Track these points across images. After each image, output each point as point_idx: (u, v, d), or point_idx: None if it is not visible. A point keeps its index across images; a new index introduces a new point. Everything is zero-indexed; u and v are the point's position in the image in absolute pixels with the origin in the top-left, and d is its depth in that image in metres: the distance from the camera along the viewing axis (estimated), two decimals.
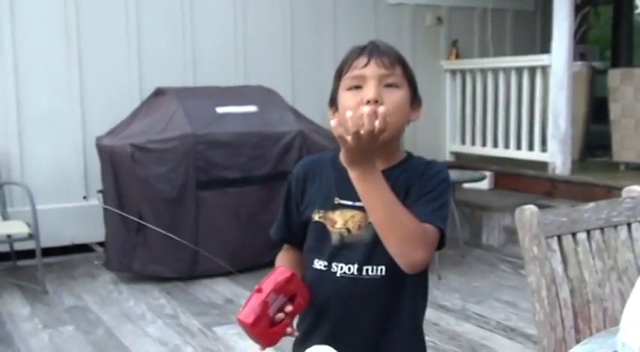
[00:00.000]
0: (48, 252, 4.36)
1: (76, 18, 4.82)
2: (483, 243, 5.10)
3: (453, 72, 6.20)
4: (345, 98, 1.41)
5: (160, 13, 5.12)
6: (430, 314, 3.55)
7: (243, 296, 3.90)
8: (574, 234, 1.67)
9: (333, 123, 1.27)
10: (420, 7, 6.19)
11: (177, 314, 3.69)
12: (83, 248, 4.90)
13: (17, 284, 4.14)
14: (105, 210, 4.40)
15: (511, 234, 4.91)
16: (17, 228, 4.06)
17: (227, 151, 4.31)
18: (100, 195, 4.48)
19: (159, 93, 4.69)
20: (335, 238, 1.42)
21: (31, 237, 3.98)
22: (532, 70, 5.41)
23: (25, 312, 3.72)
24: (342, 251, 1.42)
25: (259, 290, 1.35)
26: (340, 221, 1.42)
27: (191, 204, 4.21)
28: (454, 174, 5.12)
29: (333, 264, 1.43)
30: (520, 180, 5.53)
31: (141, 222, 4.02)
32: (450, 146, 6.28)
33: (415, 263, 1.33)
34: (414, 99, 1.46)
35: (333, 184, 1.45)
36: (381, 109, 1.24)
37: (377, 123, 1.23)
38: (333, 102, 1.47)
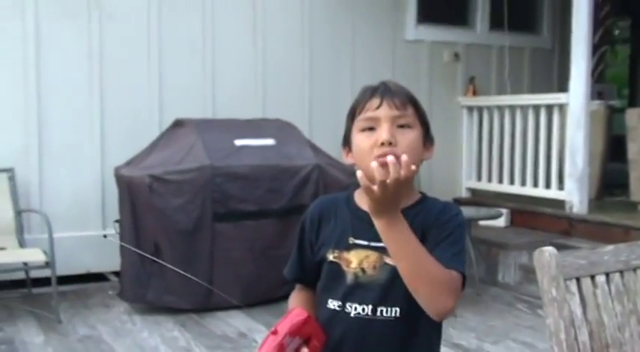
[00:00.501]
0: (63, 280, 4.37)
1: (99, 50, 4.91)
2: (499, 281, 5.05)
3: (470, 108, 6.22)
4: (359, 140, 1.42)
5: (181, 46, 5.20)
6: None
7: (257, 330, 3.89)
8: (593, 277, 1.65)
9: (358, 174, 1.29)
10: (438, 43, 6.24)
11: (190, 347, 3.67)
12: (98, 277, 4.92)
13: (32, 312, 4.15)
14: (121, 239, 4.42)
15: (528, 272, 4.87)
16: (34, 256, 4.08)
17: (244, 184, 4.33)
18: (117, 225, 4.50)
19: (178, 124, 4.74)
20: (350, 278, 1.42)
21: (47, 265, 4.00)
22: (549, 108, 5.42)
23: (38, 341, 3.73)
24: (356, 291, 1.42)
25: (275, 332, 1.34)
26: (355, 261, 1.42)
27: (207, 236, 4.22)
28: (470, 211, 5.11)
29: (347, 304, 1.43)
30: (537, 218, 5.49)
31: (155, 259, 4.03)
32: (466, 182, 6.27)
33: (444, 310, 1.34)
34: (427, 138, 1.47)
35: (348, 224, 1.46)
36: (404, 158, 1.26)
37: (402, 171, 1.25)
38: (347, 142, 1.49)
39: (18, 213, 4.50)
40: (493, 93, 6.37)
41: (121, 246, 4.42)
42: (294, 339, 1.35)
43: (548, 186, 5.46)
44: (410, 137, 1.40)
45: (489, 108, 6.03)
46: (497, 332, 3.97)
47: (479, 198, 6.06)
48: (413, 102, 1.43)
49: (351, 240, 1.43)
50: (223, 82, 5.32)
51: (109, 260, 4.70)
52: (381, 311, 1.40)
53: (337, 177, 4.42)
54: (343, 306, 1.43)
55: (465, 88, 6.31)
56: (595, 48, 5.66)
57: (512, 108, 5.79)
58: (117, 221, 4.51)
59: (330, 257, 1.45)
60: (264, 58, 5.48)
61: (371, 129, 1.40)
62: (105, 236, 4.82)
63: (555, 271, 1.59)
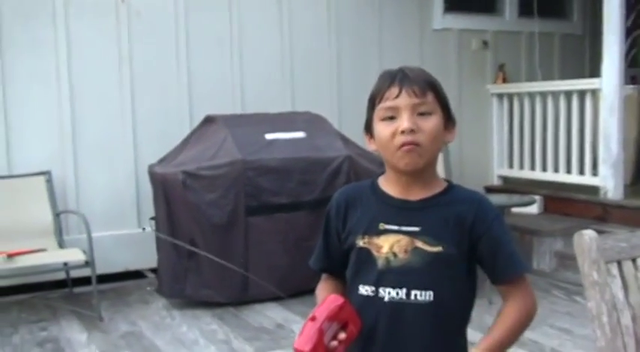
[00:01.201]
0: (102, 278, 4.45)
1: (129, 49, 4.97)
2: (534, 268, 5.01)
3: (500, 96, 6.17)
4: (380, 129, 1.45)
5: (208, 43, 5.24)
6: None
7: (293, 321, 3.92)
8: (634, 260, 1.65)
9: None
10: (466, 31, 6.20)
11: (229, 339, 3.72)
12: (136, 274, 5.00)
13: (74, 311, 4.24)
14: (157, 236, 4.49)
15: (563, 259, 4.83)
16: (74, 255, 4.16)
17: (276, 177, 4.36)
18: (153, 222, 4.57)
19: (208, 121, 4.79)
20: (381, 263, 1.44)
21: (87, 264, 4.07)
22: (582, 94, 5.35)
23: (82, 338, 3.80)
24: (389, 275, 1.44)
25: (313, 318, 1.36)
26: (386, 246, 1.44)
27: (241, 230, 4.26)
28: (502, 199, 5.07)
29: (380, 289, 1.44)
30: (570, 205, 5.44)
31: (194, 249, 4.08)
32: (497, 170, 6.23)
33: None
34: (448, 121, 1.49)
35: (376, 210, 1.48)
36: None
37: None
38: (369, 129, 1.52)
39: (56, 214, 4.58)
40: (523, 80, 6.31)
41: (158, 243, 4.49)
42: (332, 324, 1.37)
43: (581, 172, 5.40)
44: (431, 124, 1.42)
45: (520, 96, 5.98)
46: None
47: (511, 186, 6.02)
48: (432, 87, 1.45)
49: (382, 226, 1.45)
50: (251, 77, 5.35)
51: (146, 257, 4.77)
52: (415, 295, 1.42)
53: (368, 168, 4.43)
54: (376, 291, 1.45)
55: (495, 76, 6.26)
56: (628, 32, 5.57)
57: (544, 94, 5.73)
58: (152, 218, 4.57)
59: (360, 243, 1.47)
60: (291, 51, 5.50)
61: (391, 118, 1.43)
62: (144, 229, 4.90)
63: (596, 254, 1.59)
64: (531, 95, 5.86)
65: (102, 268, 4.37)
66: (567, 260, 4.70)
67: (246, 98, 5.33)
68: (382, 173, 1.54)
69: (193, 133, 4.82)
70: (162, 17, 5.09)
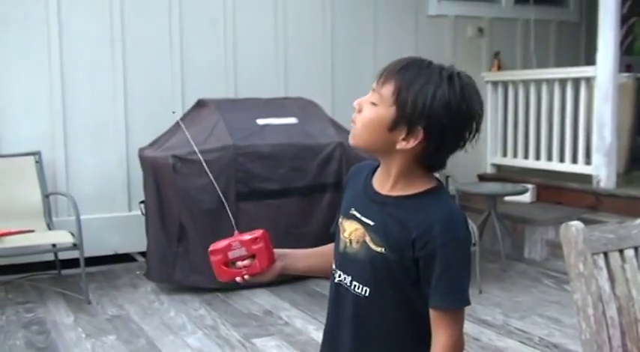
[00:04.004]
0: (91, 261, 4.42)
1: (121, 31, 4.92)
2: (525, 257, 5.02)
3: (495, 83, 6.14)
4: None
5: (202, 27, 5.19)
6: (471, 328, 3.54)
7: (282, 308, 3.91)
8: (621, 251, 1.63)
9: None
10: (461, 18, 6.16)
11: (217, 325, 3.71)
12: (125, 257, 4.97)
13: (61, 293, 4.21)
14: (146, 220, 4.46)
15: (554, 248, 4.83)
16: (62, 237, 4.13)
17: (267, 163, 4.33)
18: (142, 206, 4.54)
19: (200, 104, 4.75)
20: (341, 246, 1.46)
21: (75, 246, 4.04)
22: (576, 82, 5.33)
23: (68, 321, 3.78)
24: (343, 260, 1.45)
25: (234, 235, 1.54)
26: (347, 231, 1.44)
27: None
28: (495, 187, 5.08)
29: (337, 270, 1.47)
30: (563, 194, 5.43)
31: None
32: (491, 158, 6.21)
33: None
34: (407, 128, 1.31)
35: (356, 193, 1.47)
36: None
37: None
38: None
39: (45, 195, 4.55)
40: (518, 68, 6.28)
41: (147, 227, 4.46)
42: (241, 249, 1.53)
43: (574, 160, 5.38)
44: (368, 112, 1.35)
45: (514, 83, 5.95)
46: (523, 307, 3.95)
47: (504, 174, 6.00)
48: (397, 83, 1.31)
49: (352, 211, 1.44)
50: (245, 62, 5.31)
51: (136, 241, 4.74)
52: (355, 285, 1.42)
53: (360, 155, 4.38)
54: (336, 271, 1.47)
55: (490, 63, 6.22)
56: (623, 19, 5.53)
57: (538, 82, 5.71)
58: (142, 202, 4.54)
59: (340, 220, 1.48)
60: (285, 36, 5.45)
61: None
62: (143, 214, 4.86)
63: (582, 246, 1.57)
64: (526, 83, 5.83)
65: (91, 251, 4.34)
66: (558, 249, 4.64)
67: (239, 82, 5.29)
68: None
69: (185, 117, 4.78)
70: None
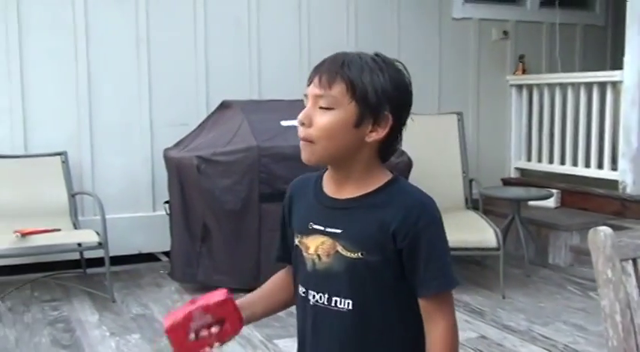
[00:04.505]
0: (115, 260, 4.47)
1: (147, 32, 4.96)
2: (550, 262, 4.98)
3: (519, 87, 6.10)
4: None
5: (227, 28, 5.22)
6: (495, 334, 3.52)
7: None
8: None
9: None
10: (486, 21, 6.13)
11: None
12: (149, 257, 5.02)
13: (86, 292, 4.26)
14: (170, 220, 4.50)
15: (579, 254, 4.79)
16: (88, 236, 4.18)
17: (290, 164, 4.33)
18: (167, 206, 4.58)
19: (225, 106, 4.78)
20: (309, 264, 1.38)
21: (100, 245, 4.08)
22: (602, 86, 5.28)
23: (93, 319, 3.83)
24: (314, 279, 1.37)
25: (192, 302, 1.37)
26: (312, 247, 1.36)
27: (254, 216, 4.25)
28: (519, 192, 5.05)
29: (309, 291, 1.38)
30: (588, 199, 5.38)
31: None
32: (514, 162, 6.17)
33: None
34: (374, 118, 1.31)
35: (310, 207, 1.41)
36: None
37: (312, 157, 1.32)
38: None
39: (72, 195, 4.60)
40: (543, 72, 6.23)
41: (171, 227, 4.50)
42: (205, 315, 1.36)
43: (600, 166, 5.33)
44: (325, 119, 1.29)
45: (539, 87, 5.91)
46: (547, 313, 3.92)
47: (528, 179, 5.96)
48: (345, 79, 1.29)
49: (311, 225, 1.37)
50: (269, 63, 5.33)
51: (160, 240, 4.79)
52: (336, 301, 1.34)
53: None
54: (306, 293, 1.39)
55: (514, 66, 6.19)
56: None
57: (563, 86, 5.66)
58: (167, 202, 4.58)
59: (296, 241, 1.41)
60: (309, 38, 5.46)
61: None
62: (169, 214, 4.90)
63: (610, 251, 1.55)
64: (551, 86, 5.79)
65: (116, 250, 4.39)
66: (583, 255, 4.65)
67: (263, 84, 5.31)
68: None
69: (209, 118, 4.81)
70: (181, 1, 5.07)
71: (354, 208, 1.34)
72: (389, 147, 1.37)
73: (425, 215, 1.33)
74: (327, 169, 1.42)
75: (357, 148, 1.32)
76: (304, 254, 1.38)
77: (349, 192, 1.36)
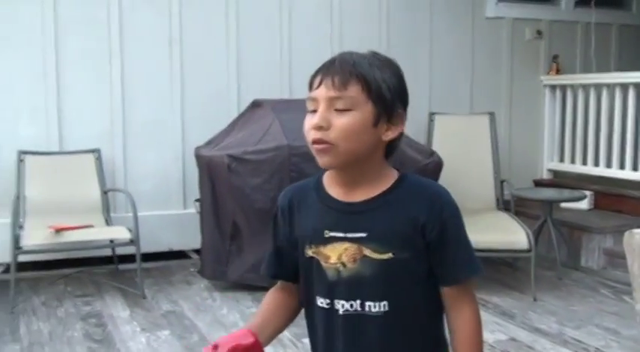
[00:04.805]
0: (146, 257, 4.51)
1: (179, 32, 5.01)
2: (582, 265, 4.91)
3: (553, 87, 6.03)
4: (305, 121, 1.33)
5: (258, 28, 5.24)
6: (525, 336, 3.49)
7: None
8: None
9: None
10: (520, 20, 6.06)
11: None
12: (179, 254, 5.06)
13: (118, 288, 4.32)
14: (201, 218, 4.53)
15: (612, 257, 4.71)
16: (119, 233, 4.22)
17: None
18: (197, 204, 4.61)
19: (256, 105, 4.79)
20: (331, 274, 1.33)
21: (132, 242, 4.13)
22: (638, 87, 5.19)
23: (124, 315, 3.87)
24: (340, 287, 1.33)
25: (215, 348, 1.31)
26: (334, 256, 1.32)
27: None
28: (551, 193, 4.98)
29: (335, 301, 1.34)
30: (623, 201, 5.29)
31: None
32: (547, 163, 6.10)
33: None
34: (390, 115, 1.31)
35: (320, 215, 1.36)
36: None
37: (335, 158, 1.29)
38: None
39: (104, 192, 4.66)
40: (578, 72, 6.15)
41: (202, 225, 4.53)
42: None
43: (635, 168, 5.24)
44: (344, 121, 1.27)
45: (573, 87, 5.83)
46: (579, 317, 3.86)
47: (561, 180, 5.89)
48: (360, 78, 1.28)
49: (327, 233, 1.33)
50: (300, 62, 5.33)
51: (189, 238, 4.83)
52: (370, 306, 1.31)
53: (414, 157, 4.37)
54: (332, 304, 1.34)
55: (548, 67, 6.11)
56: None
57: (598, 87, 5.58)
58: (197, 200, 4.62)
59: (309, 253, 1.35)
60: (340, 37, 5.46)
61: (314, 111, 1.30)
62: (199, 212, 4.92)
63: None
64: (585, 87, 5.70)
65: (146, 247, 4.44)
66: (617, 258, 4.58)
67: (294, 83, 5.32)
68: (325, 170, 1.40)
69: (240, 117, 4.84)
70: (213, 1, 5.11)
71: (375, 209, 1.32)
72: (397, 144, 1.37)
73: (447, 204, 1.34)
74: (320, 175, 1.40)
75: (374, 148, 1.32)
76: (323, 264, 1.34)
77: (363, 193, 1.33)
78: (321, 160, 1.30)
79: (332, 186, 1.37)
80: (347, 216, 1.33)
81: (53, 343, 3.45)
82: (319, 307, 1.36)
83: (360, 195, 1.33)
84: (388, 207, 1.32)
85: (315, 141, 1.29)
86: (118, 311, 3.93)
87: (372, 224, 1.31)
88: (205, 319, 3.81)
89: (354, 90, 1.28)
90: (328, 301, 1.34)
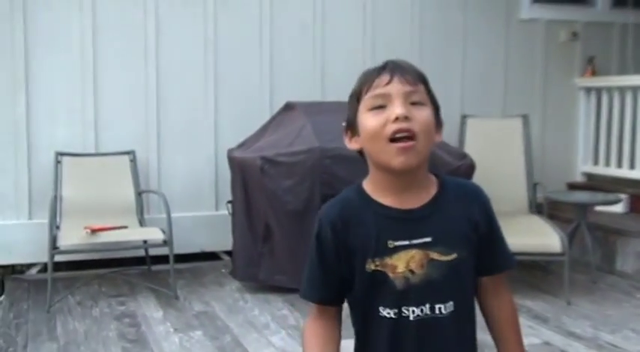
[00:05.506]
0: (178, 258, 4.55)
1: (214, 34, 5.06)
2: (617, 269, 4.83)
3: (588, 90, 5.95)
4: (368, 119, 1.32)
5: (292, 31, 5.27)
6: (559, 340, 3.45)
7: None
8: None
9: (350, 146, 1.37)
10: (554, 22, 5.99)
11: (299, 325, 3.74)
12: (211, 256, 5.10)
13: (151, 288, 4.37)
14: (233, 220, 4.56)
15: None
16: (153, 234, 4.27)
17: (352, 166, 4.26)
18: (229, 206, 4.65)
19: (288, 107, 4.82)
20: (399, 283, 1.32)
21: (165, 243, 4.17)
22: None
23: (158, 315, 3.92)
24: (410, 294, 1.33)
25: None
26: (401, 265, 1.32)
27: (315, 217, 4.26)
28: (585, 196, 4.91)
29: (404, 309, 1.33)
30: None
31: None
32: (581, 166, 6.02)
33: None
34: (437, 121, 1.37)
35: (379, 226, 1.33)
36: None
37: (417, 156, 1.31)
38: (350, 126, 1.39)
39: (139, 193, 4.73)
40: (614, 74, 6.05)
41: (233, 226, 4.56)
42: None
43: None
44: (424, 114, 1.31)
45: (609, 90, 5.75)
46: (614, 321, 3.80)
47: (595, 183, 5.81)
48: (423, 80, 1.36)
49: (391, 244, 1.32)
50: (333, 66, 5.35)
51: (221, 239, 4.86)
52: (439, 308, 1.33)
53: (445, 159, 4.35)
54: (400, 312, 1.33)
55: (583, 69, 6.03)
56: None
57: (635, 89, 5.49)
58: (229, 202, 4.65)
59: (372, 267, 1.33)
60: (373, 40, 5.46)
61: (381, 107, 1.30)
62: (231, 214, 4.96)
63: None
64: (622, 89, 5.62)
65: (179, 248, 4.47)
66: None
67: (327, 86, 5.33)
68: (361, 180, 1.41)
69: (273, 119, 4.86)
70: (248, 2, 5.15)
71: (433, 213, 1.35)
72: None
73: (487, 199, 1.43)
74: (357, 186, 1.39)
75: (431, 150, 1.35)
76: (390, 275, 1.32)
77: (417, 198, 1.35)
78: (404, 159, 1.28)
79: (382, 195, 1.35)
80: (409, 223, 1.33)
81: (88, 342, 3.51)
82: (384, 317, 1.35)
83: (415, 201, 1.35)
84: (444, 209, 1.36)
85: (402, 130, 1.27)
86: (151, 311, 3.98)
87: (434, 227, 1.34)
88: (237, 320, 3.84)
89: (422, 89, 1.34)
90: (396, 310, 1.34)
